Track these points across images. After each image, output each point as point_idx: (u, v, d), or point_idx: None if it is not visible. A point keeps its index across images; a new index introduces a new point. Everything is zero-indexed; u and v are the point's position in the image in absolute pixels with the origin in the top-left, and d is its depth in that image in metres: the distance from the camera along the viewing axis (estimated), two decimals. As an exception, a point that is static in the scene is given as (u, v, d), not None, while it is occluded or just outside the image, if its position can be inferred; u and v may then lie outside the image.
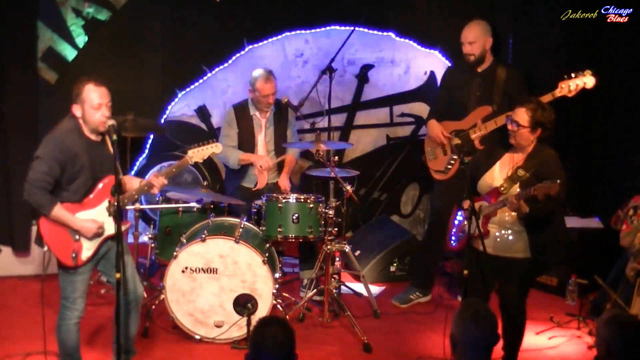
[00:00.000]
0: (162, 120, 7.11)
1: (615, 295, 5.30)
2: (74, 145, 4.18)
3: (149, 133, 6.92)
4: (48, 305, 4.34)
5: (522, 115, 4.49)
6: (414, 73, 7.48)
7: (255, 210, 5.55)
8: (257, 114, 6.00)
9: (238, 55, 7.18)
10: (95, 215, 4.25)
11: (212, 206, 5.62)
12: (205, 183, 6.02)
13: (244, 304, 4.97)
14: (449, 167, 5.69)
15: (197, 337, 5.12)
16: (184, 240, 5.24)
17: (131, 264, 4.42)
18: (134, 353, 4.60)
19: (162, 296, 5.14)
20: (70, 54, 6.76)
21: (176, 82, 7.17)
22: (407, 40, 7.39)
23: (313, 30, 7.30)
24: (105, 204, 4.24)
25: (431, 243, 5.95)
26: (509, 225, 4.54)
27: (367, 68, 7.42)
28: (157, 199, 5.72)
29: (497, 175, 4.61)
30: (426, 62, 7.46)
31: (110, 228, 4.25)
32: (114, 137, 4.19)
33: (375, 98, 7.50)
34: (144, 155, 7.12)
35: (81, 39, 6.78)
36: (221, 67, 7.19)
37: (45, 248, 4.22)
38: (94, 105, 4.17)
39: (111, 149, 4.23)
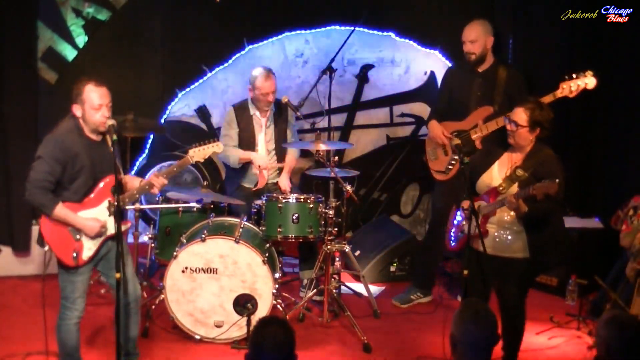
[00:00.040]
0: (162, 120, 7.11)
1: (615, 296, 5.30)
2: (75, 145, 4.18)
3: (149, 133, 6.92)
4: (48, 305, 4.34)
5: (520, 115, 4.50)
6: (414, 73, 7.48)
7: (255, 210, 5.55)
8: (257, 113, 6.00)
9: (238, 55, 7.18)
10: (97, 215, 4.25)
11: (212, 206, 5.62)
12: (205, 183, 6.01)
13: (244, 304, 4.97)
14: (450, 167, 5.69)
15: (197, 337, 5.12)
16: (184, 240, 5.24)
17: (131, 265, 4.42)
18: (137, 355, 4.59)
19: (162, 296, 5.14)
20: (70, 54, 6.76)
21: (176, 82, 7.17)
22: (407, 40, 7.40)
23: (313, 30, 7.30)
24: (106, 203, 4.25)
25: (432, 243, 5.95)
26: (507, 225, 4.54)
27: (367, 68, 7.42)
28: (157, 199, 5.72)
29: (495, 175, 4.61)
30: (426, 62, 7.46)
31: (111, 228, 4.26)
32: (114, 136, 4.19)
33: (375, 98, 7.50)
34: (144, 155, 7.12)
35: (81, 39, 6.78)
36: (221, 67, 7.19)
37: (47, 248, 4.22)
38: (94, 105, 4.18)
39: (111, 149, 4.23)
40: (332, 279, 5.53)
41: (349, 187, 5.44)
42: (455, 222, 4.78)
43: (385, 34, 7.35)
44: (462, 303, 3.45)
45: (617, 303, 5.25)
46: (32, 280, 5.98)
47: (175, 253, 5.13)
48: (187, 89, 7.19)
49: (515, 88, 5.54)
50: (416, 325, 5.60)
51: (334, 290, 5.53)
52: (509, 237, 4.54)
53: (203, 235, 5.09)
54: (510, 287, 4.58)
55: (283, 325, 3.10)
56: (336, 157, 5.52)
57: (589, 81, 5.06)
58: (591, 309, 5.67)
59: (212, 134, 7.10)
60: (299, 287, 5.98)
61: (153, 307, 5.31)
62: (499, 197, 4.50)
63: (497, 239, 4.55)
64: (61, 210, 4.16)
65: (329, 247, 5.44)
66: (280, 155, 6.06)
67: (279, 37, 7.25)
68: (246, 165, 5.99)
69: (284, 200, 5.35)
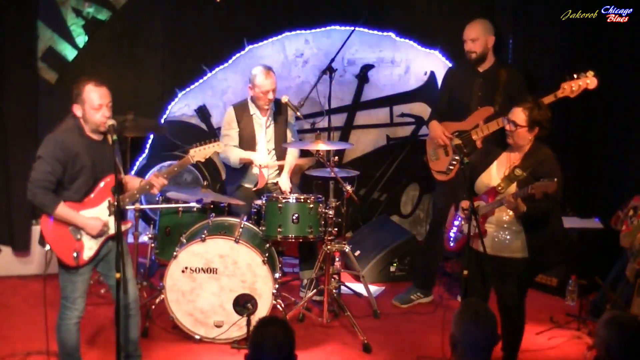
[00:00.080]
0: (162, 120, 7.11)
1: (615, 296, 5.30)
2: (75, 145, 4.18)
3: (149, 133, 6.92)
4: (48, 305, 4.34)
5: (519, 114, 4.50)
6: (414, 73, 7.49)
7: (255, 210, 5.55)
8: (257, 113, 5.99)
9: (238, 55, 7.18)
10: (97, 214, 4.26)
11: (212, 206, 5.61)
12: (205, 183, 6.01)
13: (243, 304, 4.97)
14: (451, 167, 5.69)
15: (197, 337, 5.12)
16: (184, 240, 5.24)
17: (130, 266, 4.42)
18: (138, 357, 4.59)
19: (162, 296, 5.14)
20: (70, 53, 6.76)
21: (176, 82, 7.17)
22: (407, 40, 7.40)
23: (313, 30, 7.30)
24: (106, 203, 4.26)
25: (432, 243, 5.94)
26: (506, 225, 4.54)
27: (367, 68, 7.42)
28: (157, 198, 5.72)
29: (494, 174, 4.61)
30: (426, 62, 7.46)
31: (112, 227, 4.26)
32: (115, 136, 4.19)
33: (375, 98, 7.50)
34: (144, 155, 7.12)
35: (81, 39, 6.77)
36: (221, 67, 7.19)
37: (47, 247, 4.22)
38: (94, 105, 4.18)
39: (112, 149, 4.23)
40: (332, 279, 5.53)
41: (349, 187, 5.44)
42: (455, 222, 4.78)
43: (385, 34, 7.35)
44: (462, 303, 3.45)
45: (617, 303, 5.25)
46: (32, 280, 5.98)
47: (175, 253, 5.13)
48: (187, 89, 7.19)
49: (516, 88, 5.54)
50: (416, 325, 5.60)
51: (334, 291, 5.52)
52: (508, 237, 4.54)
53: (203, 235, 5.09)
54: (509, 287, 4.57)
55: (283, 326, 3.10)
56: (336, 157, 5.52)
57: (590, 81, 5.06)
58: (591, 309, 5.66)
59: (212, 134, 7.10)
60: (298, 287, 5.98)
61: (153, 307, 5.31)
62: (497, 197, 4.50)
63: (496, 239, 4.55)
64: (63, 209, 4.16)
65: (329, 247, 5.44)
66: (280, 155, 6.06)
67: (279, 37, 7.25)
68: (246, 165, 5.99)
69: (284, 200, 5.35)
